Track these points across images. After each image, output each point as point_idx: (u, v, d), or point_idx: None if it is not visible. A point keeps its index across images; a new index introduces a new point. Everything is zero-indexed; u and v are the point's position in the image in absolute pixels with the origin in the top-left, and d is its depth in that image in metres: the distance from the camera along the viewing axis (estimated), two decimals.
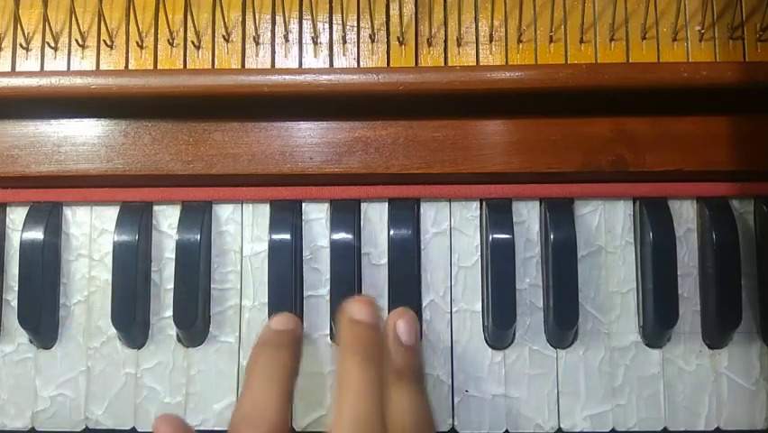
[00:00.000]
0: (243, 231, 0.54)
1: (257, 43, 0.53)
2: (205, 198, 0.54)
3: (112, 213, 0.54)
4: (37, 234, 0.53)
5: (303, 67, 0.53)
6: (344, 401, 0.42)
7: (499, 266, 0.51)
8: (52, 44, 0.54)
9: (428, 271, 0.53)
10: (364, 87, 0.49)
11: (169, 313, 0.53)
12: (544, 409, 0.52)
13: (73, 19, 0.54)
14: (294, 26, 0.54)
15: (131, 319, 0.52)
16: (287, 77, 0.50)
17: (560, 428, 0.51)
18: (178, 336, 0.53)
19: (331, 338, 0.53)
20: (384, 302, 0.53)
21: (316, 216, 0.54)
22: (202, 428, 0.52)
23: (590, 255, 0.53)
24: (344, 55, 0.53)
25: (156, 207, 0.54)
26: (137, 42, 0.53)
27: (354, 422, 0.41)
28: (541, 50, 0.52)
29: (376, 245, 0.53)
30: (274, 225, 0.53)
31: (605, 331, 0.52)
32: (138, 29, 0.53)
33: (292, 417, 0.52)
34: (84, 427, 0.52)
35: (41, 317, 0.52)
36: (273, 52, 0.53)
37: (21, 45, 0.54)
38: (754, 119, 0.51)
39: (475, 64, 0.52)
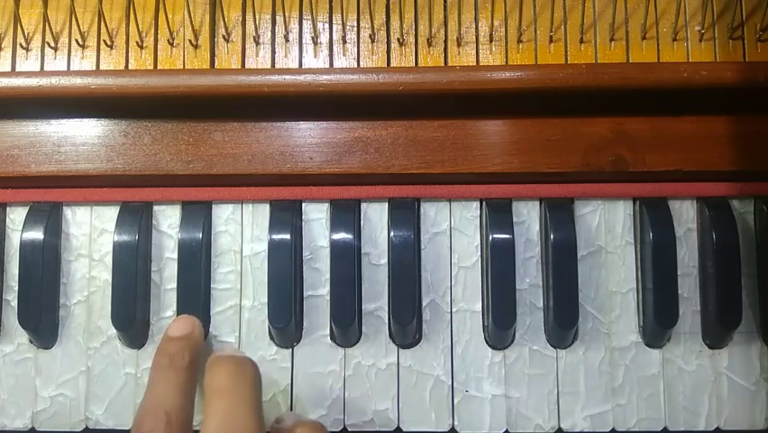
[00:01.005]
0: (243, 231, 0.54)
1: (257, 43, 0.53)
2: (205, 198, 0.54)
3: (112, 213, 0.54)
4: (37, 234, 0.53)
5: (303, 67, 0.53)
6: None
7: (499, 266, 0.51)
8: (52, 44, 0.54)
9: (428, 271, 0.53)
10: (364, 87, 0.49)
11: (169, 313, 0.53)
12: (543, 410, 0.52)
13: (73, 19, 0.54)
14: (294, 26, 0.54)
15: (131, 319, 0.52)
16: (287, 77, 0.50)
17: (560, 428, 0.51)
18: None
19: (331, 338, 0.53)
20: (384, 302, 0.53)
21: (316, 216, 0.54)
22: None
23: (590, 255, 0.53)
24: (344, 55, 0.53)
25: (156, 207, 0.54)
26: (137, 42, 0.53)
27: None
28: (541, 50, 0.52)
29: (376, 245, 0.53)
30: (274, 225, 0.53)
31: (605, 331, 0.52)
32: (138, 29, 0.53)
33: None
34: (84, 427, 0.52)
35: (41, 317, 0.52)
36: (273, 52, 0.53)
37: (21, 45, 0.54)
38: (754, 119, 0.51)
39: (475, 64, 0.52)
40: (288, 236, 0.52)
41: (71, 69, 0.53)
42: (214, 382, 0.45)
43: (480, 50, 0.53)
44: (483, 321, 0.53)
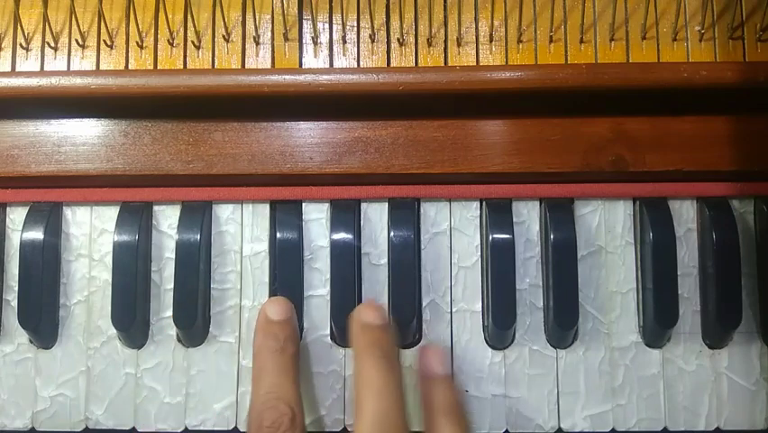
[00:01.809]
0: (243, 231, 0.54)
1: (257, 43, 0.53)
2: (205, 198, 0.54)
3: (112, 213, 0.54)
4: (37, 234, 0.53)
5: (303, 67, 0.53)
6: (366, 400, 0.44)
7: (499, 266, 0.51)
8: (52, 44, 0.54)
9: (428, 271, 0.53)
10: (364, 87, 0.49)
11: (169, 313, 0.53)
12: (543, 409, 0.52)
13: (73, 19, 0.54)
14: (294, 26, 0.54)
15: (131, 319, 0.52)
16: (287, 77, 0.50)
17: (560, 428, 0.51)
18: (178, 336, 0.53)
19: (331, 338, 0.53)
20: (384, 302, 0.53)
21: (316, 216, 0.54)
22: (202, 428, 0.52)
23: (590, 255, 0.53)
24: (344, 55, 0.53)
25: (156, 207, 0.54)
26: (137, 42, 0.53)
27: (378, 418, 0.43)
28: (541, 50, 0.52)
29: (376, 245, 0.53)
30: (274, 225, 0.53)
31: (605, 331, 0.52)
32: (138, 29, 0.53)
33: None
34: (84, 427, 0.52)
35: (41, 317, 0.52)
36: (273, 52, 0.53)
37: (21, 45, 0.54)
38: (754, 119, 0.51)
39: (475, 64, 0.52)
40: (288, 236, 0.52)
41: (71, 69, 0.53)
42: (365, 375, 0.45)
43: (480, 50, 0.53)
44: (483, 321, 0.53)
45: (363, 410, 0.44)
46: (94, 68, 0.53)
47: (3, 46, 0.54)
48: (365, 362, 0.46)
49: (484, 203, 0.53)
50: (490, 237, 0.51)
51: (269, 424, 0.43)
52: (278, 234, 0.53)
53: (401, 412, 0.44)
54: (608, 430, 0.51)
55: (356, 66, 0.53)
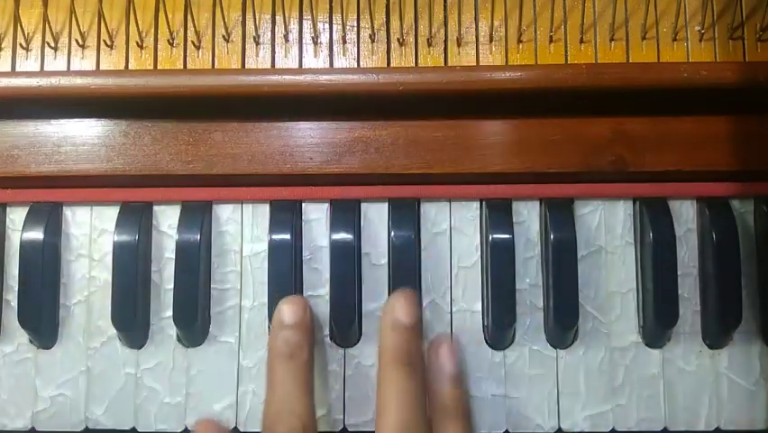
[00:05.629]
0: (243, 231, 0.54)
1: (257, 43, 0.53)
2: (205, 198, 0.54)
3: (112, 213, 0.54)
4: (37, 235, 0.53)
5: (303, 67, 0.53)
6: (389, 408, 0.45)
7: (499, 266, 0.51)
8: (52, 44, 0.54)
9: (428, 271, 0.53)
10: (364, 87, 0.49)
11: (169, 313, 0.53)
12: (543, 410, 0.52)
13: (73, 19, 0.54)
14: (294, 26, 0.54)
15: (131, 319, 0.52)
16: (287, 77, 0.50)
17: (560, 428, 0.51)
18: (178, 336, 0.53)
19: (331, 338, 0.53)
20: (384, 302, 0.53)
21: (316, 216, 0.54)
22: None
23: (590, 255, 0.53)
24: (344, 55, 0.53)
25: (156, 207, 0.54)
26: (137, 42, 0.53)
27: (400, 428, 0.44)
28: (541, 50, 0.52)
29: (376, 245, 0.53)
30: (274, 225, 0.53)
31: (605, 331, 0.52)
32: (138, 29, 0.53)
33: None
34: (84, 427, 0.52)
35: (41, 317, 0.52)
36: (273, 52, 0.53)
37: (21, 45, 0.54)
38: (754, 119, 0.51)
39: (475, 64, 0.52)
40: (288, 236, 0.52)
41: (71, 69, 0.53)
42: (391, 382, 0.46)
43: (480, 50, 0.53)
44: (483, 321, 0.53)
45: (387, 418, 0.45)
46: (94, 68, 0.53)
47: (3, 46, 0.54)
48: (391, 368, 0.46)
49: (484, 203, 0.53)
50: (490, 237, 0.51)
51: None
52: (277, 235, 0.53)
53: (423, 422, 0.45)
54: (608, 430, 0.51)
55: (356, 66, 0.53)
